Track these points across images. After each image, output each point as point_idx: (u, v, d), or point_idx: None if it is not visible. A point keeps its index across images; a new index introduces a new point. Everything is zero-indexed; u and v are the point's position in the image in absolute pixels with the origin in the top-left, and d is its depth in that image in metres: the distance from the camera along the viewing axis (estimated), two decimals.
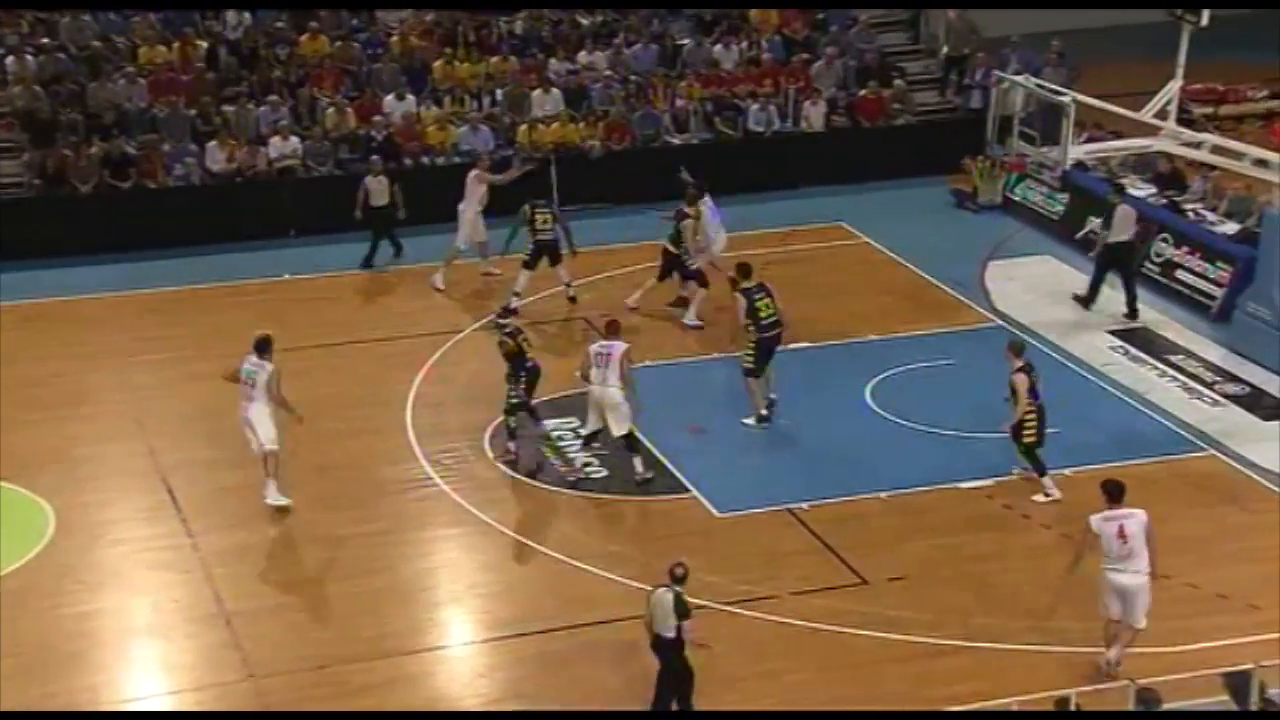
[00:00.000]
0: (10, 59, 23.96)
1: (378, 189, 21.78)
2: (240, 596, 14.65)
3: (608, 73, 25.40)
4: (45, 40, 24.45)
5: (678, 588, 12.54)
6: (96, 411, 17.99)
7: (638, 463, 16.34)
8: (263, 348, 15.92)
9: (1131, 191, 22.39)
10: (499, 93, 24.96)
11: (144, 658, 14.04)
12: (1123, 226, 20.03)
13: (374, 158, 22.36)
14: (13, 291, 20.82)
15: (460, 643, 14.40)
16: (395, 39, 25.49)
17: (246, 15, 25.43)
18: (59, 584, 14.77)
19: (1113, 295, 20.87)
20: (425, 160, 23.99)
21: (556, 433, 17.40)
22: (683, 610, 12.43)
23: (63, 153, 22.78)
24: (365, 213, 21.81)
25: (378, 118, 24.08)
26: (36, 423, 17.59)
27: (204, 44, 24.90)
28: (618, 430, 16.21)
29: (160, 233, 22.42)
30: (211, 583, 14.83)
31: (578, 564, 15.06)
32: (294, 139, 23.57)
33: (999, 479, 16.15)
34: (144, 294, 21.05)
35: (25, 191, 22.83)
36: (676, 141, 24.81)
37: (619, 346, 16.28)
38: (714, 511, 15.99)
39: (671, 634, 12.52)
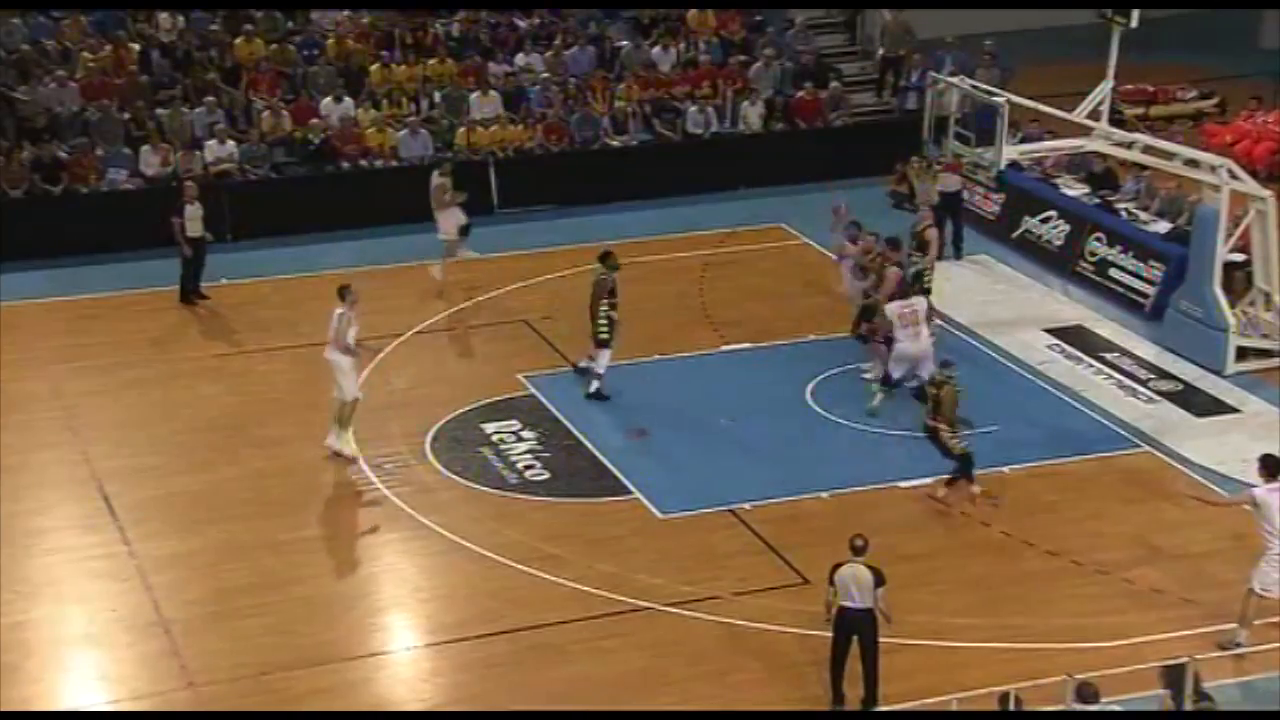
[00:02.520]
0: None
1: (194, 216, 20.64)
2: (179, 604, 14.52)
3: (545, 75, 25.38)
4: None
5: (862, 560, 12.74)
6: (28, 419, 17.74)
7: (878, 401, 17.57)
8: (342, 294, 16.73)
9: (1066, 191, 22.71)
10: (437, 95, 24.89)
11: (81, 667, 13.88)
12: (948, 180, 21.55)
13: (188, 183, 21.12)
14: None
15: (403, 648, 14.34)
16: (331, 41, 25.36)
17: (180, 18, 25.21)
18: None
19: (1045, 295, 21.14)
20: (364, 163, 23.87)
21: (497, 435, 17.37)
22: (880, 579, 12.71)
23: None
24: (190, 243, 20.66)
25: (315, 121, 23.94)
26: None
27: (137, 47, 24.65)
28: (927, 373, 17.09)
29: (92, 238, 22.15)
30: (149, 591, 14.69)
31: (520, 567, 15.03)
32: (230, 143, 23.39)
33: (939, 478, 16.27)
34: (76, 300, 20.78)
35: None
36: (615, 143, 24.83)
37: (921, 303, 17.70)
38: (656, 513, 16.01)
39: (870, 603, 12.72)
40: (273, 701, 13.18)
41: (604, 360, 17.99)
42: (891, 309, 17.58)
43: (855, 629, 12.83)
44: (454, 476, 16.62)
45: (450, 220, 20.95)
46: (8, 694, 13.26)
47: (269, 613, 14.42)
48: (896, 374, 17.63)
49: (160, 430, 17.55)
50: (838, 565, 12.83)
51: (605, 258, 18.24)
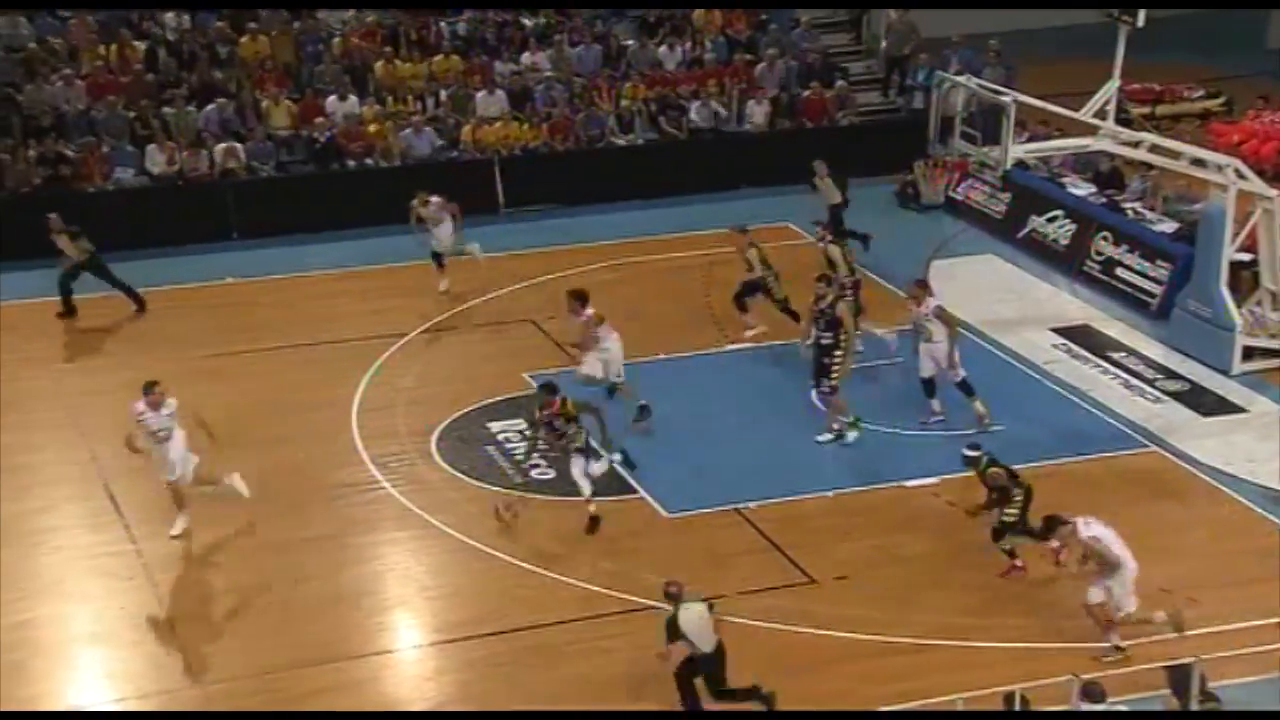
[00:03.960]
0: None
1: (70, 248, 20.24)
2: (185, 603, 14.53)
3: (551, 74, 25.38)
4: None
5: (698, 602, 12.54)
6: (33, 419, 17.77)
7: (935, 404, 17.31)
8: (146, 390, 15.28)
9: (1072, 190, 22.68)
10: (443, 94, 24.88)
11: (87, 666, 13.89)
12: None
13: (53, 215, 20.25)
14: None
15: (408, 646, 14.34)
16: (337, 40, 25.36)
17: (185, 17, 25.22)
18: (4, 593, 14.54)
19: (1052, 294, 21.12)
20: (369, 162, 23.87)
21: (503, 434, 17.37)
22: (710, 603, 12.64)
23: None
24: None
25: (320, 119, 23.95)
26: None
27: (142, 45, 24.66)
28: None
29: (97, 237, 22.13)
30: (155, 589, 14.70)
31: (525, 566, 15.03)
32: (235, 141, 23.41)
33: (944, 477, 16.25)
34: (81, 299, 20.78)
35: None
36: (621, 142, 24.82)
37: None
38: (662, 512, 16.00)
39: (712, 647, 12.50)
40: (278, 700, 13.19)
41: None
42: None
43: (708, 668, 12.62)
44: (459, 475, 16.62)
45: (443, 230, 20.77)
46: (14, 692, 13.27)
47: (274, 611, 14.42)
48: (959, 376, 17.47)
49: None
50: (672, 619, 12.46)
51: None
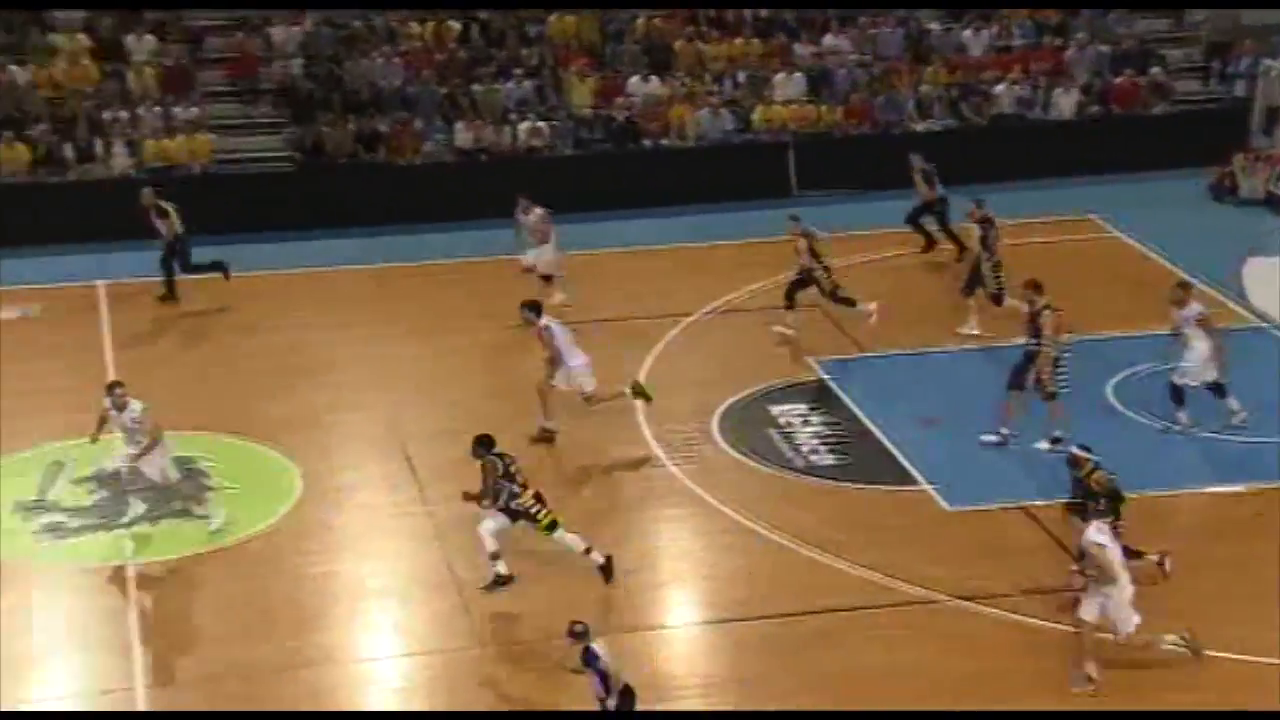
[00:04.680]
0: (274, 30, 24.90)
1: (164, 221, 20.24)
2: (471, 566, 14.97)
3: (852, 56, 25.12)
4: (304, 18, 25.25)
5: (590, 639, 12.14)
6: (344, 379, 18.64)
7: (1232, 402, 16.45)
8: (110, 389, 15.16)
9: None
10: (741, 75, 24.93)
11: (378, 620, 14.47)
12: None
13: (145, 189, 20.53)
14: (271, 261, 21.74)
15: (681, 623, 14.46)
16: (640, 20, 25.66)
17: None
18: (303, 543, 15.37)
19: None
20: (664, 143, 24.13)
21: (784, 418, 17.35)
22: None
23: (320, 129, 23.67)
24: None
25: (619, 99, 24.32)
26: (290, 388, 18.34)
27: (457, 25, 25.49)
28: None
29: (406, 208, 23.08)
30: (444, 551, 15.22)
31: (803, 550, 14.98)
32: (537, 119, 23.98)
33: (1250, 484, 15.44)
34: (391, 267, 21.66)
35: (285, 166, 23.80)
36: (919, 128, 24.41)
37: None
38: (945, 505, 15.71)
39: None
40: (551, 664, 13.47)
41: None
42: None
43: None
44: (740, 456, 16.67)
45: (545, 250, 20.03)
46: (312, 639, 13.95)
47: (550, 581, 14.71)
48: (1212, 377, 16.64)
49: (464, 394, 18.14)
50: (588, 651, 12.03)
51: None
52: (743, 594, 14.48)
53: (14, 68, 23.63)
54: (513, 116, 24.18)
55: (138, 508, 15.29)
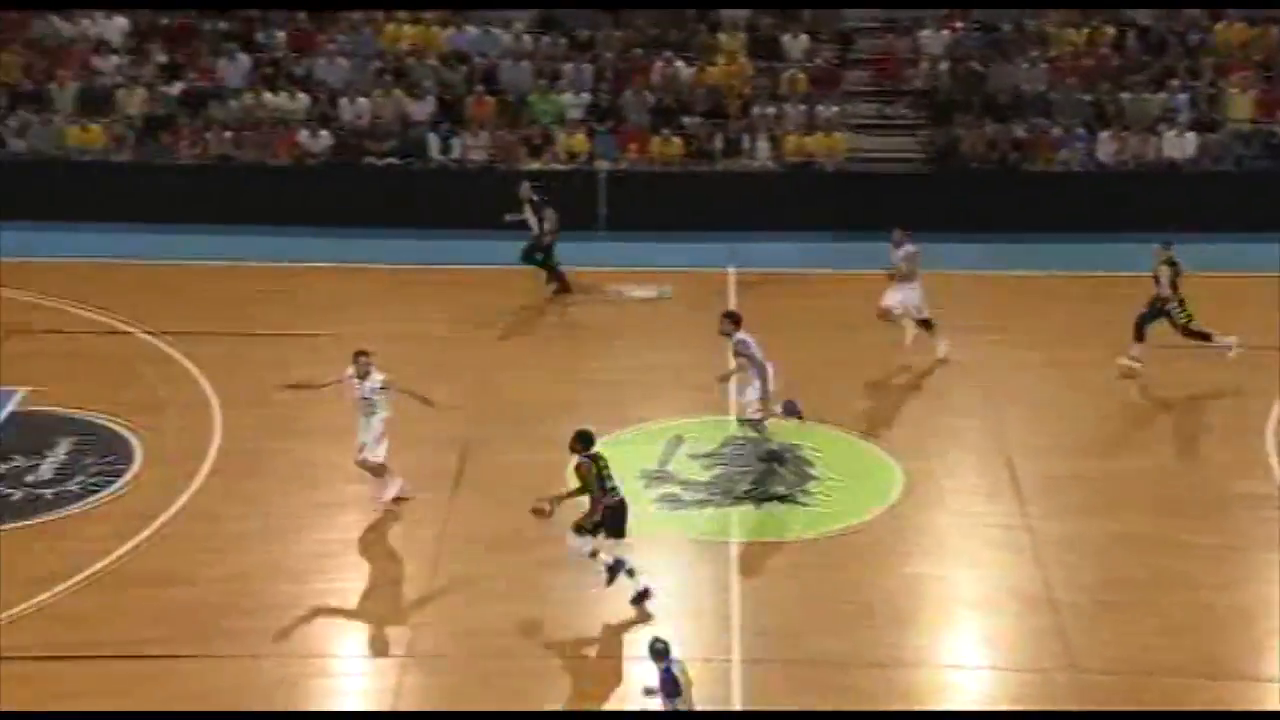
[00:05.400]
0: (924, 33, 25.03)
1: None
2: (1070, 587, 14.42)
3: None
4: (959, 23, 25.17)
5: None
6: (949, 384, 18.49)
7: None
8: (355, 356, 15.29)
9: None
10: None
11: (968, 629, 14.21)
12: None
13: (524, 183, 20.95)
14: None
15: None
16: None
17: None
18: (899, 543, 15.34)
19: None
20: None
21: None
22: None
23: (956, 132, 23.58)
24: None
25: None
26: (900, 388, 18.44)
27: (1111, 30, 24.62)
28: None
29: (1039, 217, 22.54)
30: (1042, 567, 14.74)
31: None
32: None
33: None
34: (1029, 276, 21.31)
35: (917, 167, 23.91)
36: None
37: None
38: None
39: None
40: (1152, 702, 12.71)
41: None
42: None
43: None
44: None
45: (913, 293, 18.55)
46: (905, 639, 13.79)
47: (1160, 613, 13.93)
48: None
49: (1076, 411, 17.54)
50: (668, 673, 11.25)
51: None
52: None
53: (679, 64, 25.11)
54: (1161, 127, 23.04)
55: (743, 485, 15.91)
